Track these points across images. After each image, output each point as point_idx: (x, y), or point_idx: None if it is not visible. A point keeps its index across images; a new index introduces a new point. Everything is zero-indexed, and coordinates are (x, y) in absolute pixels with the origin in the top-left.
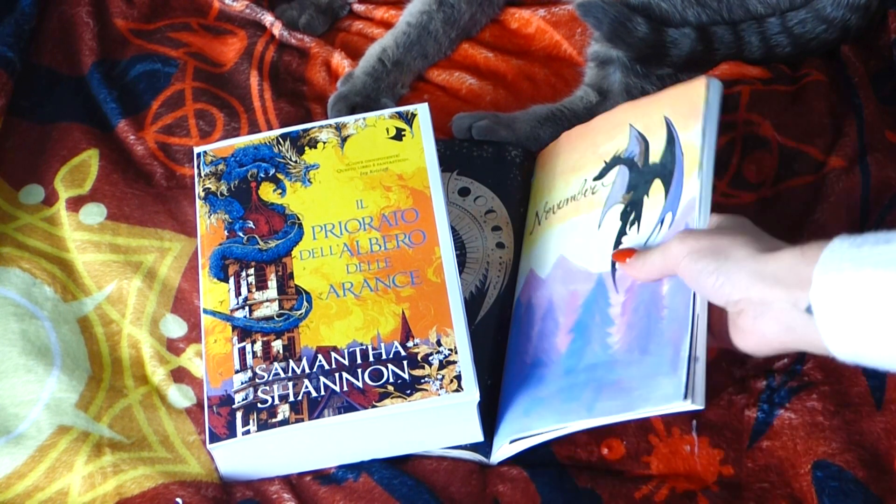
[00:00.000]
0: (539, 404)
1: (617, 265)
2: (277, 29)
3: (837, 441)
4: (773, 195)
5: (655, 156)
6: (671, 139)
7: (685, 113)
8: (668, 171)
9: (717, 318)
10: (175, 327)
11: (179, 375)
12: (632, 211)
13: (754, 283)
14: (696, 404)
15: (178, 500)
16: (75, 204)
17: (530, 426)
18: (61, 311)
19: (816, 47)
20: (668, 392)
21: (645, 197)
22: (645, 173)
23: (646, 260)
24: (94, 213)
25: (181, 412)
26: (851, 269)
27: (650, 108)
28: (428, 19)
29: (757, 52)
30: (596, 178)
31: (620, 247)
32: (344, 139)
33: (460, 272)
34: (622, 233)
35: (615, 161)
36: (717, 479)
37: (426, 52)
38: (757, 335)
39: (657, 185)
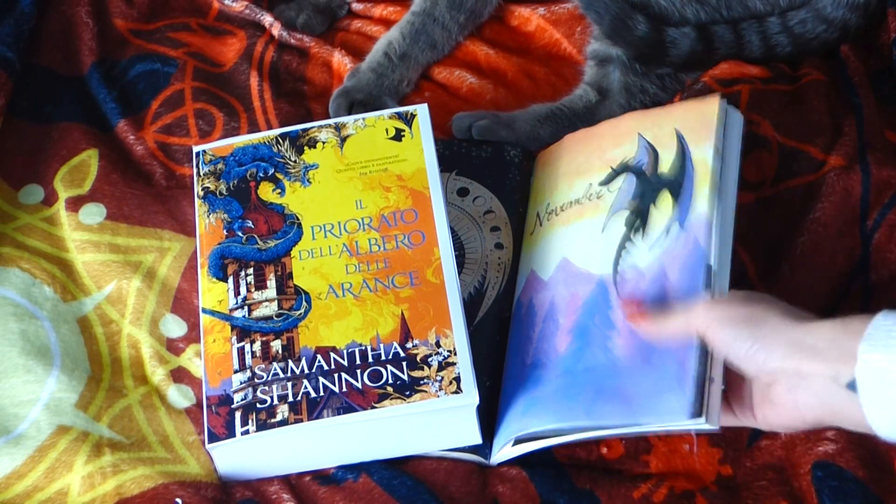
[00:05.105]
0: (536, 404)
1: (628, 318)
2: (277, 29)
3: (837, 441)
4: (773, 195)
5: (665, 167)
6: (682, 152)
7: (697, 128)
8: (677, 183)
9: (739, 393)
10: (175, 327)
11: (179, 375)
12: (637, 219)
13: (792, 352)
14: (711, 425)
15: (178, 500)
16: (75, 204)
17: (528, 426)
18: (61, 311)
19: (817, 47)
20: (674, 408)
21: (652, 206)
22: (653, 183)
23: (666, 323)
24: (93, 213)
25: (181, 412)
26: None
27: (660, 119)
28: (432, 5)
29: (757, 52)
30: (602, 184)
31: (630, 295)
32: (343, 139)
33: (459, 273)
34: (626, 238)
35: (623, 168)
36: (716, 479)
37: (434, 42)
38: (789, 408)
39: (665, 196)
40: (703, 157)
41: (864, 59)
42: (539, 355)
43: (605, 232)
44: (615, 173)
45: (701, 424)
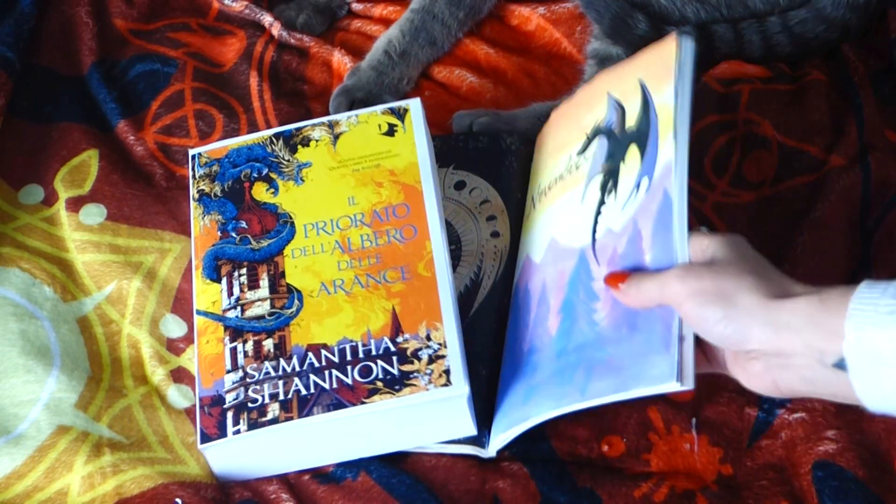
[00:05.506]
0: (535, 391)
1: (610, 290)
2: (276, 29)
3: (838, 441)
4: (774, 194)
5: (631, 121)
6: (646, 103)
7: (658, 74)
8: (643, 134)
9: (711, 351)
10: (175, 327)
11: (179, 375)
12: (609, 179)
13: (768, 334)
14: (686, 386)
15: (178, 500)
16: (75, 204)
17: (529, 414)
18: (61, 311)
19: (817, 47)
20: (662, 371)
21: (621, 163)
22: (622, 140)
23: (640, 289)
24: (94, 213)
25: (180, 412)
26: (892, 322)
27: (625, 72)
28: (431, 2)
29: (757, 52)
30: (579, 153)
31: (608, 261)
32: (336, 136)
33: (455, 267)
34: (601, 203)
35: (595, 132)
36: (717, 478)
37: (433, 38)
38: (766, 380)
39: (633, 150)
40: (664, 101)
41: (865, 59)
42: (534, 340)
43: (584, 201)
44: (589, 140)
45: (678, 387)
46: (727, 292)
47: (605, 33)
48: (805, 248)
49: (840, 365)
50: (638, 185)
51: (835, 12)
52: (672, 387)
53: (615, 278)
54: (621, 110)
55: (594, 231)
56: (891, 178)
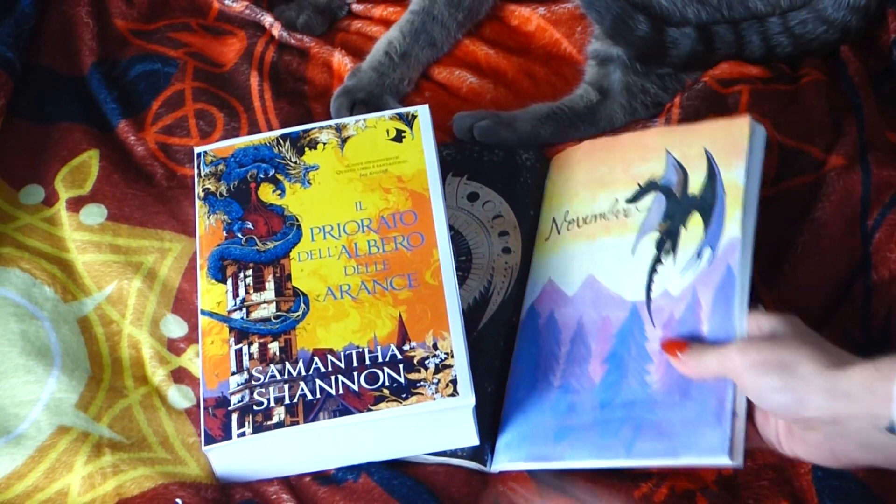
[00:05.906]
0: (571, 433)
1: (668, 358)
2: (277, 30)
3: None
4: (774, 194)
5: (695, 188)
6: (712, 174)
7: (728, 150)
8: (708, 205)
9: (765, 423)
10: (175, 327)
11: (179, 376)
12: (668, 240)
13: (826, 401)
14: (735, 462)
15: (178, 500)
16: (76, 204)
17: (563, 455)
18: (61, 311)
19: (817, 48)
20: (713, 444)
21: (682, 228)
22: (683, 204)
23: (700, 360)
24: (94, 213)
25: (181, 413)
26: None
27: (688, 137)
28: (430, 3)
29: (757, 52)
30: (629, 200)
31: (668, 336)
32: (344, 140)
33: (465, 279)
34: (657, 261)
35: (651, 186)
36: (717, 478)
37: (434, 40)
38: (826, 452)
39: (695, 217)
40: (734, 179)
41: (865, 60)
42: (570, 379)
43: (636, 255)
44: (643, 191)
45: (726, 460)
46: (787, 362)
47: (606, 34)
48: (805, 248)
49: (891, 429)
50: (699, 254)
51: (835, 14)
52: (722, 461)
53: (673, 346)
54: (683, 173)
55: (649, 289)
56: (891, 179)
